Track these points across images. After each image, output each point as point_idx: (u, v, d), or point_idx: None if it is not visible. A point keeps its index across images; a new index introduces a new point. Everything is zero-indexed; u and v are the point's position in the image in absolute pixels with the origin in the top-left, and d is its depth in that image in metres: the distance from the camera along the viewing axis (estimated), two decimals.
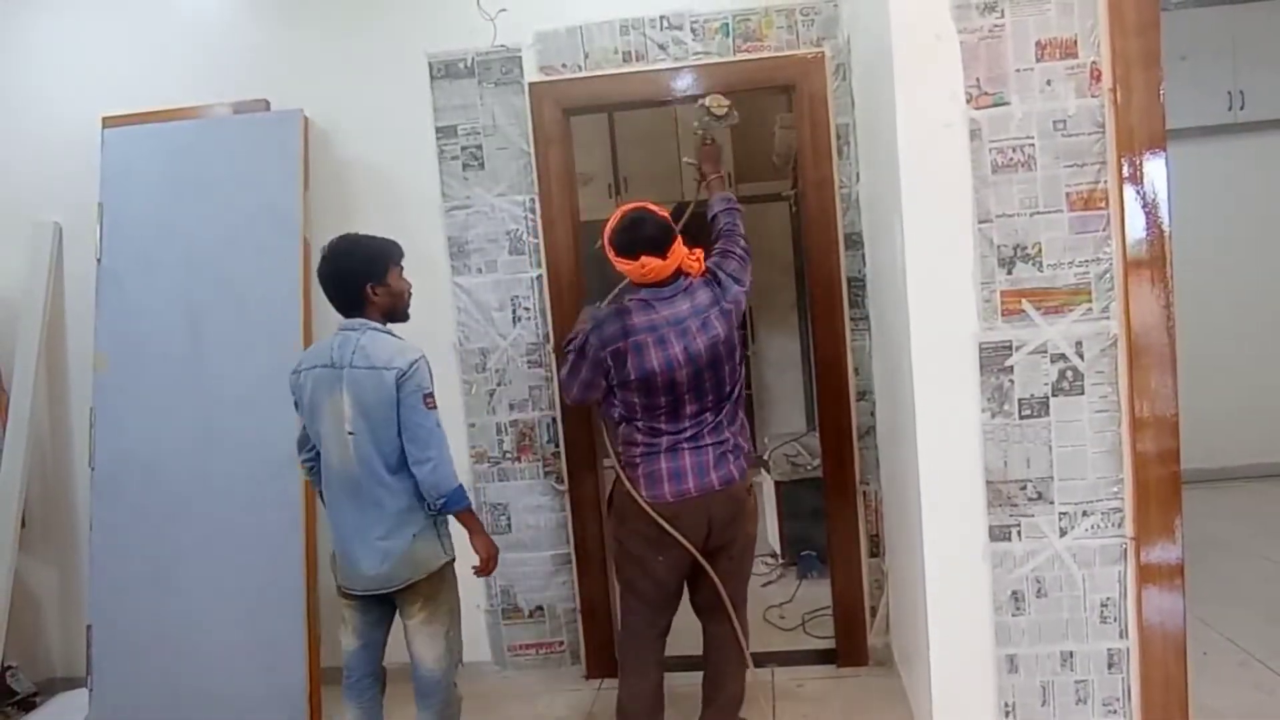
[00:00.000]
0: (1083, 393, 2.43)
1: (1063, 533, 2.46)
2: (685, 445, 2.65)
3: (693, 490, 2.63)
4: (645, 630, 2.81)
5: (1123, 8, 2.33)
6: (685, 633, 2.92)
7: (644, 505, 2.63)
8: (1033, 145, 2.39)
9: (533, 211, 3.41)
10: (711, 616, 2.83)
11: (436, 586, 2.61)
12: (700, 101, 2.98)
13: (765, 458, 4.83)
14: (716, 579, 2.70)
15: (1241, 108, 5.15)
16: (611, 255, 2.64)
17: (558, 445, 3.48)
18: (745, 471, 2.75)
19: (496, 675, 3.59)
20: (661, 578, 2.72)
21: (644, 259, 2.57)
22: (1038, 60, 2.38)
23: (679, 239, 2.63)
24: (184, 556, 3.23)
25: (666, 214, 2.67)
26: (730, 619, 2.77)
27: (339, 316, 2.56)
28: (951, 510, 2.50)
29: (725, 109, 2.94)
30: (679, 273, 2.64)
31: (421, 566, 2.55)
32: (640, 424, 2.67)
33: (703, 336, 2.59)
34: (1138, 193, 2.35)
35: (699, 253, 2.70)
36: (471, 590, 3.53)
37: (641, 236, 2.57)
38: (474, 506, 2.94)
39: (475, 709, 3.33)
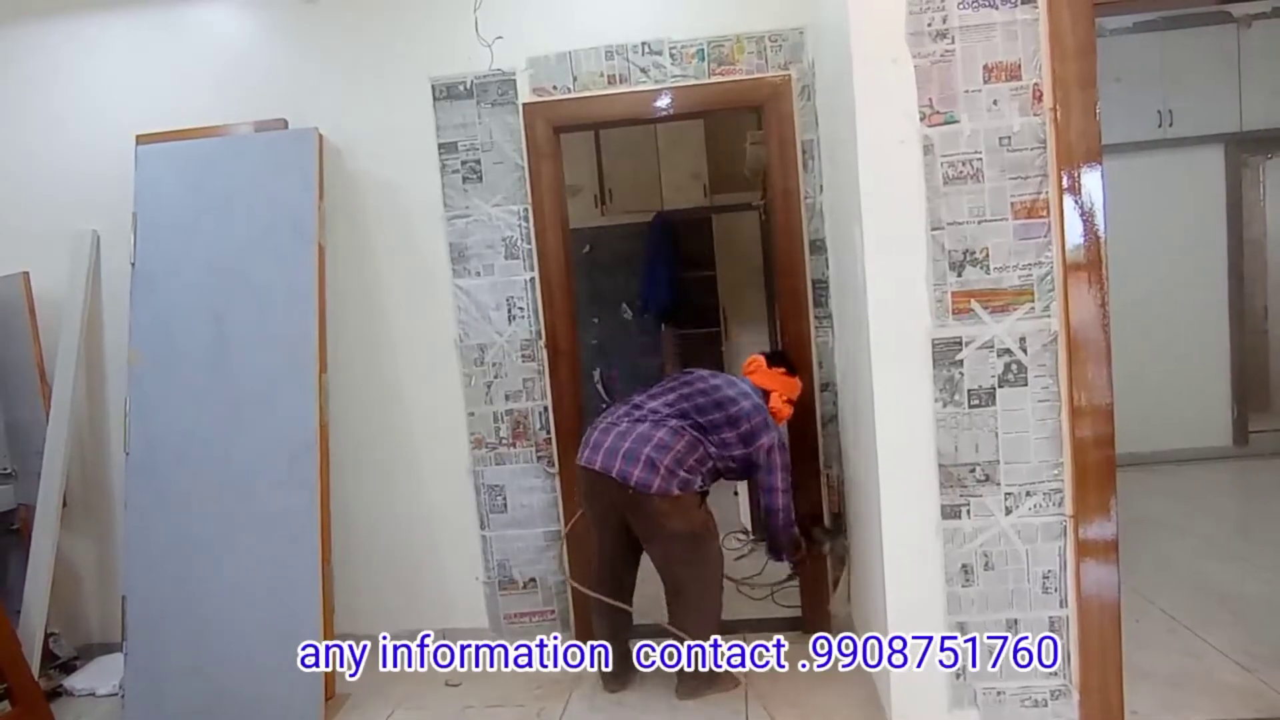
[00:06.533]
0: (1026, 384, 2.39)
1: (1008, 511, 2.42)
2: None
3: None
4: None
5: (1062, 34, 2.29)
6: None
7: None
8: (980, 159, 2.35)
9: (526, 220, 3.36)
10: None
11: None
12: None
13: None
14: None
15: (1170, 125, 5.15)
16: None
17: (549, 432, 3.43)
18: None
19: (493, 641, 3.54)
20: None
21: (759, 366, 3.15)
22: (985, 82, 2.34)
23: (772, 397, 3.05)
24: (210, 534, 3.17)
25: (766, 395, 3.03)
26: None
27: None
28: (907, 491, 2.46)
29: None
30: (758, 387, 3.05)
31: None
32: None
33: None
34: (1076, 202, 2.31)
35: (783, 397, 3.08)
36: (470, 564, 3.52)
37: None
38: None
39: (475, 674, 3.30)
